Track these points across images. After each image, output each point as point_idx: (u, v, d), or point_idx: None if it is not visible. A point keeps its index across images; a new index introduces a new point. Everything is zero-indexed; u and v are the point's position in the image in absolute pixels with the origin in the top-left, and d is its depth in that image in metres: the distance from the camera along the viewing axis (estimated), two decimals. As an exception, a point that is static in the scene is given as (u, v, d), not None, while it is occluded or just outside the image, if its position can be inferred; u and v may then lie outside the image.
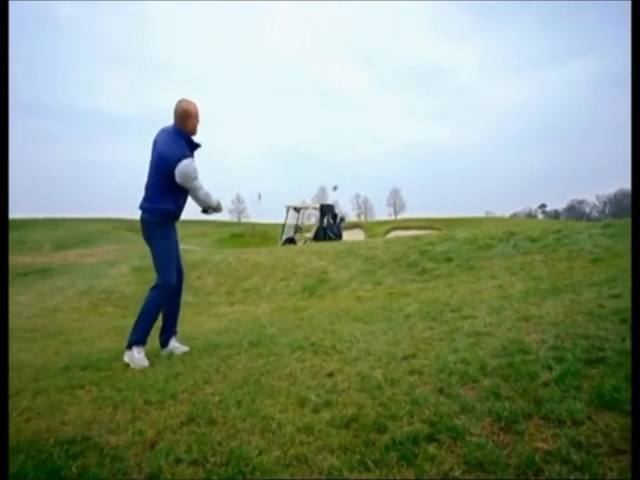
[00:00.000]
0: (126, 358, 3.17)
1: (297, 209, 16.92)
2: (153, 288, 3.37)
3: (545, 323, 2.58)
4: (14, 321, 6.72)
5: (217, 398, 2.22)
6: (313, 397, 1.94)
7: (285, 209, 17.10)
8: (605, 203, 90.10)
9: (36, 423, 2.16)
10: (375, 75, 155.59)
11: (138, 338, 3.19)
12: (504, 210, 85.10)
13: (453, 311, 3.63)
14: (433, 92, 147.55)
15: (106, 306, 7.80)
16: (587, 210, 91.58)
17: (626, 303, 2.78)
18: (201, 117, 3.32)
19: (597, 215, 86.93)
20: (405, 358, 2.39)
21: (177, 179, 3.12)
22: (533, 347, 2.13)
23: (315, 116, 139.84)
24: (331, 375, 2.32)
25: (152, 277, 9.99)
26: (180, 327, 5.71)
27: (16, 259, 12.61)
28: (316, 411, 1.79)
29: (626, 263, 4.33)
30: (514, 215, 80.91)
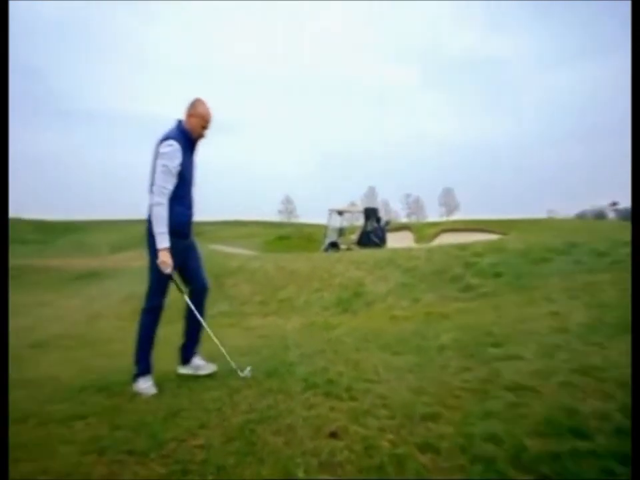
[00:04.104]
0: (134, 389, 3.03)
1: (340, 213, 16.57)
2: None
3: (611, 382, 2.04)
4: (59, 327, 6.98)
5: (200, 456, 1.95)
6: (300, 474, 1.60)
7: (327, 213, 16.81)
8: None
9: (22, 466, 2.03)
10: (422, 71, 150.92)
11: (140, 370, 3.04)
12: (569, 209, 79.10)
13: (495, 345, 3.13)
14: (485, 86, 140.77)
15: (145, 313, 7.89)
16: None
17: None
18: (210, 123, 2.99)
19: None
20: (425, 419, 1.97)
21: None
22: (588, 427, 1.63)
23: (362, 115, 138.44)
24: (333, 435, 1.96)
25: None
26: (210, 340, 5.60)
27: (72, 262, 13.35)
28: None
29: None
30: (581, 215, 74.98)
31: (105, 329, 6.54)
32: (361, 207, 23.89)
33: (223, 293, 8.50)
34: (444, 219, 66.25)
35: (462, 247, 7.47)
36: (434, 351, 3.24)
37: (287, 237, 25.12)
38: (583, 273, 4.91)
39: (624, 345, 2.60)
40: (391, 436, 1.83)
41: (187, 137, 2.90)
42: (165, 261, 2.87)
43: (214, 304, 7.99)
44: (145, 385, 3.01)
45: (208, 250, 17.61)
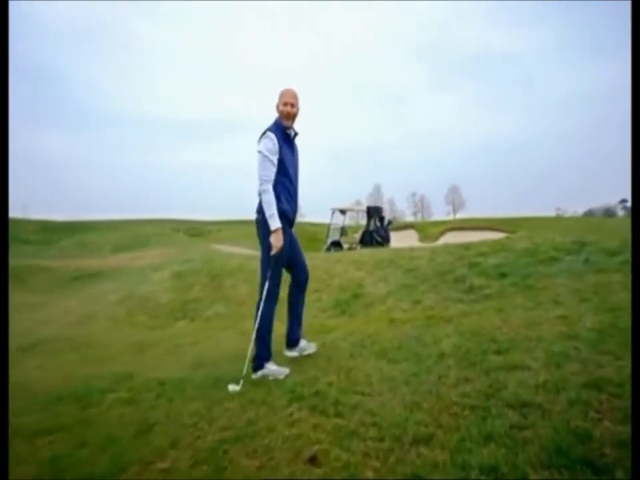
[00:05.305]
0: (264, 373, 3.06)
1: (342, 211, 16.33)
2: None
3: (627, 400, 1.80)
4: (51, 330, 6.83)
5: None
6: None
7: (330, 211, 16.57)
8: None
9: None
10: (430, 70, 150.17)
11: (265, 358, 3.14)
12: (577, 207, 78.26)
13: (499, 352, 2.89)
14: (493, 83, 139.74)
15: (140, 314, 7.73)
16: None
17: None
18: (297, 103, 3.09)
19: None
20: (416, 442, 1.74)
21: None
22: (605, 456, 1.40)
23: (370, 114, 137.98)
24: (312, 460, 1.74)
25: (190, 283, 9.82)
26: (201, 344, 5.40)
27: (73, 263, 13.23)
28: None
29: None
30: (589, 213, 74.12)
31: (96, 332, 6.38)
32: (366, 205, 23.60)
33: (221, 293, 8.31)
34: (450, 217, 65.72)
35: (466, 247, 7.22)
36: (433, 358, 3.01)
37: (290, 236, 24.75)
38: (593, 274, 4.64)
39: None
40: (376, 463, 1.61)
41: (280, 127, 3.03)
42: (278, 241, 2.96)
43: (211, 305, 7.81)
44: (275, 367, 3.10)
45: (209, 250, 17.45)
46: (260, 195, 2.97)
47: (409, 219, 74.01)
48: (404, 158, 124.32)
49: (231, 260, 10.57)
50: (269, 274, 3.07)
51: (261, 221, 3.05)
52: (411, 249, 8.18)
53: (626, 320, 3.12)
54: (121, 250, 18.34)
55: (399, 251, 8.37)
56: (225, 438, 2.09)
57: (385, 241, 14.49)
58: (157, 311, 7.99)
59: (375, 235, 14.34)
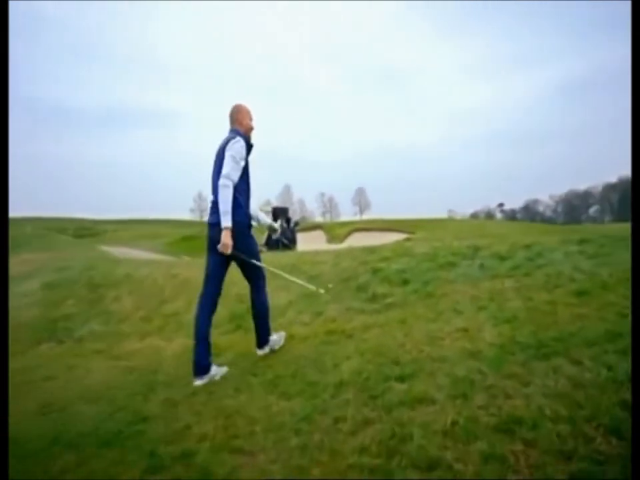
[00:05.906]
0: (275, 344, 3.70)
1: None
2: None
3: (543, 451, 1.53)
4: None
5: None
6: None
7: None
8: (557, 203, 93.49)
9: None
10: (340, 72, 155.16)
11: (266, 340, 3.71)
12: (465, 209, 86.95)
13: (401, 379, 2.57)
14: (396, 93, 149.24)
15: (-11, 339, 6.28)
16: (541, 209, 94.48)
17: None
18: (254, 119, 3.34)
19: (550, 214, 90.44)
20: None
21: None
22: None
23: (280, 115, 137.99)
24: None
25: (64, 295, 8.22)
26: (59, 378, 4.40)
27: None
28: None
29: (615, 297, 3.42)
30: (474, 215, 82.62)
31: None
32: (276, 205, 23.08)
33: (100, 308, 7.14)
34: (357, 217, 68.27)
35: (370, 250, 7.08)
36: (330, 390, 2.61)
37: (192, 237, 23.15)
38: (487, 279, 4.68)
39: (542, 379, 2.18)
40: None
41: (245, 138, 3.17)
42: (227, 242, 2.99)
43: (85, 322, 6.64)
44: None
45: (96, 254, 15.46)
46: (219, 188, 2.99)
47: (319, 219, 75.37)
48: (314, 159, 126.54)
49: (118, 266, 9.29)
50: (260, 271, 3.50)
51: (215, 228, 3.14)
52: (316, 253, 7.85)
53: (523, 332, 3.04)
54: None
55: (303, 254, 8.00)
56: None
57: (292, 242, 14.10)
58: (15, 332, 6.55)
59: (280, 237, 13.86)
